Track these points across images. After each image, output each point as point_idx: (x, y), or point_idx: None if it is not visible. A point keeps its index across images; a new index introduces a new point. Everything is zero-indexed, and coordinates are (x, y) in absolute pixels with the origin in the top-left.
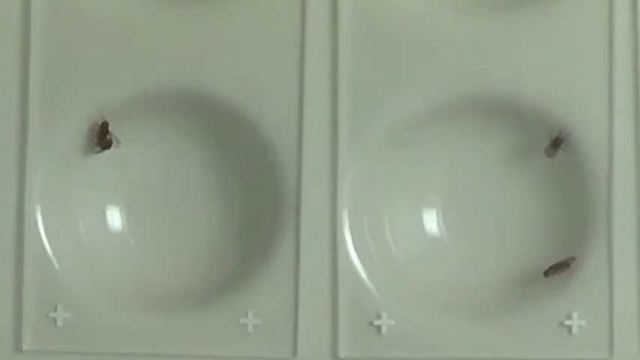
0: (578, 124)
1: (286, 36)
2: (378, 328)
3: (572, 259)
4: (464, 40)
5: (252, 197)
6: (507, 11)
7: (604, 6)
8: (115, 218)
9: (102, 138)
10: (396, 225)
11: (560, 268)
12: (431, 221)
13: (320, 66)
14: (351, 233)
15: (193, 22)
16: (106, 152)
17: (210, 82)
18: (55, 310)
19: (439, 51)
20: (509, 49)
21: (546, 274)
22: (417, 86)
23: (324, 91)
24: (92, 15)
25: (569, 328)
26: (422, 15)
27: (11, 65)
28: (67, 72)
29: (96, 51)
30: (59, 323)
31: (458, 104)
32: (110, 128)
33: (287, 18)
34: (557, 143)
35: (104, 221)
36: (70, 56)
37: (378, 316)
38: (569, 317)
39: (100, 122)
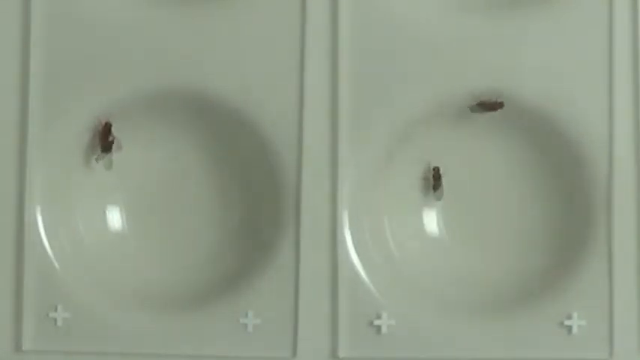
0: (578, 124)
1: (286, 36)
2: (378, 328)
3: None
4: (464, 40)
5: (252, 197)
6: (507, 11)
7: (604, 6)
8: (115, 218)
9: (104, 139)
10: (396, 225)
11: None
12: (431, 221)
13: (320, 66)
14: (351, 233)
15: (193, 22)
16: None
17: (210, 82)
18: (55, 310)
19: (439, 51)
20: (509, 49)
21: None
22: (417, 86)
23: (324, 90)
24: (92, 15)
25: (569, 328)
26: (422, 15)
27: (11, 65)
28: (67, 72)
29: (96, 51)
30: (59, 323)
31: (458, 104)
32: (113, 130)
33: (287, 18)
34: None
35: (104, 221)
36: (70, 56)
37: (378, 316)
38: (569, 317)
39: (103, 122)
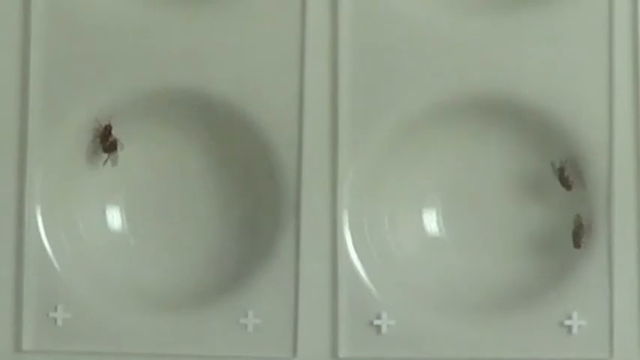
0: (578, 124)
1: (286, 36)
2: (378, 328)
3: (579, 219)
4: (464, 41)
5: (252, 197)
6: (507, 11)
7: (604, 6)
8: (115, 218)
9: (105, 141)
10: (396, 225)
11: (580, 233)
12: (431, 221)
13: (320, 66)
14: (351, 233)
15: (193, 22)
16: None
17: (210, 82)
18: (55, 310)
19: (439, 51)
20: (509, 50)
21: (578, 246)
22: (417, 86)
23: (324, 91)
24: (92, 15)
25: (569, 328)
26: (421, 15)
27: (11, 65)
28: (67, 72)
29: (96, 51)
30: (59, 323)
31: (458, 104)
32: (113, 131)
33: (287, 18)
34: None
35: (104, 221)
36: (70, 56)
37: (378, 316)
38: (569, 317)
39: (103, 125)
